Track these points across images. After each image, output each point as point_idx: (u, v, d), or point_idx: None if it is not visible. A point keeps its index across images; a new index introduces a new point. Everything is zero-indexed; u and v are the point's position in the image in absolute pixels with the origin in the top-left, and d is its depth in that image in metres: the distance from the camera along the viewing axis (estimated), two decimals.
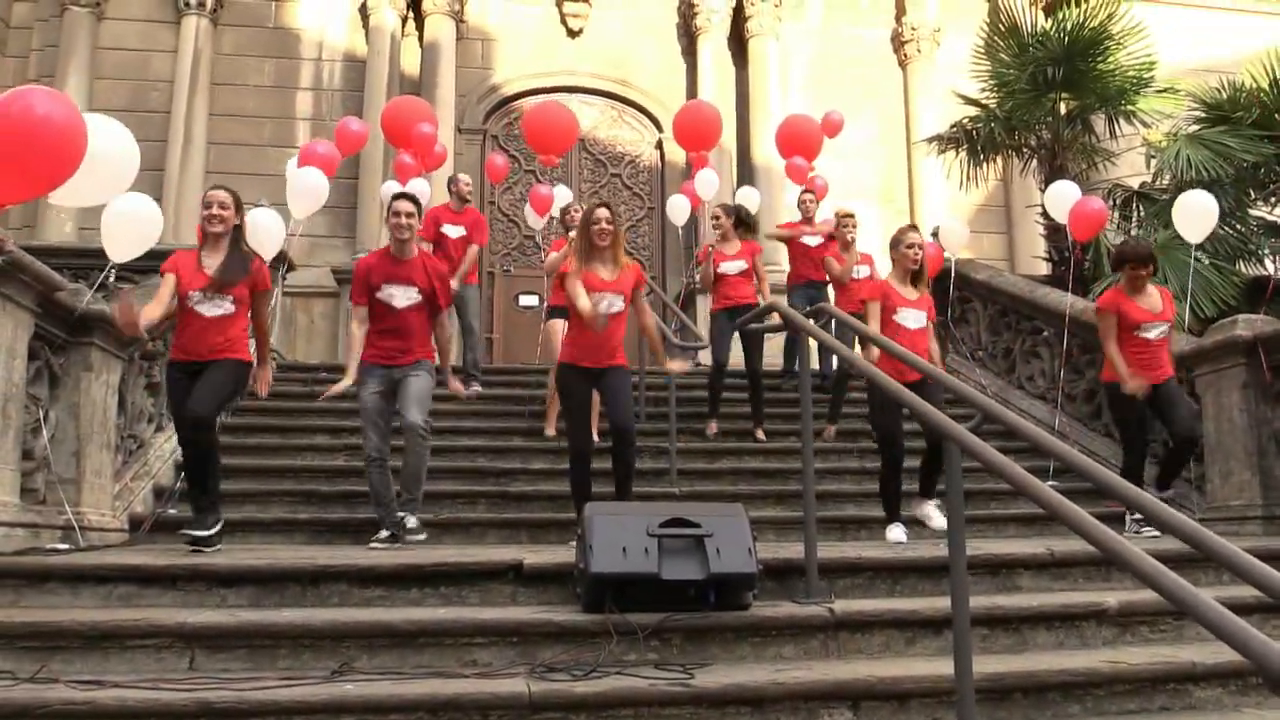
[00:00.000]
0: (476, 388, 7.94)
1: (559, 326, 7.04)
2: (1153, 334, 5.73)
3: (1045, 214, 8.85)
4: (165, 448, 6.22)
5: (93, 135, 4.06)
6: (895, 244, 5.57)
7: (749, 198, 9.55)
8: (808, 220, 8.08)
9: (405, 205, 5.19)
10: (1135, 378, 5.61)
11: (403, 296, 5.12)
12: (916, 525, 5.46)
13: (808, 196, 8.15)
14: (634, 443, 5.16)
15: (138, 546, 4.94)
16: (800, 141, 8.94)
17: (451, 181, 8.26)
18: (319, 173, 7.52)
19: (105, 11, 11.78)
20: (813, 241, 7.94)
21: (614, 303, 4.94)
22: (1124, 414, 5.83)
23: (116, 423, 5.39)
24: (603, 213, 5.03)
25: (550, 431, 7.00)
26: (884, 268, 8.21)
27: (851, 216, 7.73)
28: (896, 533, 5.34)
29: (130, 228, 4.75)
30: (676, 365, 5.38)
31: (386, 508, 5.06)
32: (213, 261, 4.73)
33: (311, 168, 7.55)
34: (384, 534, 4.99)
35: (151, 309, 4.60)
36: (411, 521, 5.18)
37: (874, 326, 5.29)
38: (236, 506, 5.75)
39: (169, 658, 3.28)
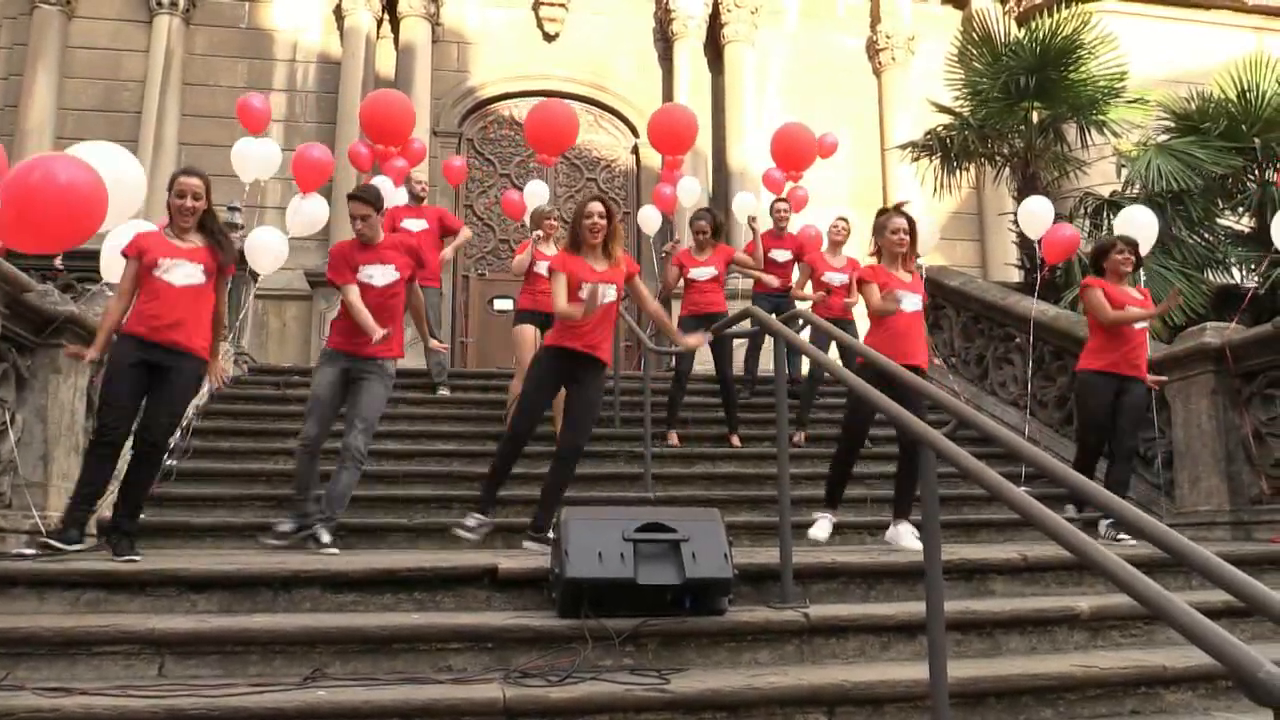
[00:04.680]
0: (444, 391, 7.88)
1: (530, 334, 6.99)
2: (1136, 322, 5.73)
3: (1017, 221, 8.93)
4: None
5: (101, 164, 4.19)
6: (879, 230, 5.43)
7: (745, 204, 9.43)
8: (780, 228, 8.08)
9: (358, 208, 5.12)
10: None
11: (382, 275, 5.10)
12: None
13: (782, 205, 8.15)
14: (576, 462, 5.07)
15: (105, 551, 4.87)
16: (796, 153, 8.85)
17: (407, 181, 8.28)
18: (322, 200, 7.95)
19: (76, 10, 11.67)
20: (781, 257, 7.94)
21: (606, 291, 4.81)
22: (1090, 407, 5.78)
23: (84, 426, 5.32)
24: (595, 207, 4.94)
25: None
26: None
27: (845, 220, 7.77)
28: (821, 529, 5.22)
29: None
30: (694, 339, 5.44)
31: (303, 495, 4.98)
32: (183, 241, 4.54)
33: (315, 196, 7.93)
34: (286, 525, 4.87)
35: (114, 308, 4.48)
36: (325, 536, 4.88)
37: (875, 303, 5.25)
38: (208, 510, 5.69)
39: (138, 664, 3.23)
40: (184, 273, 4.45)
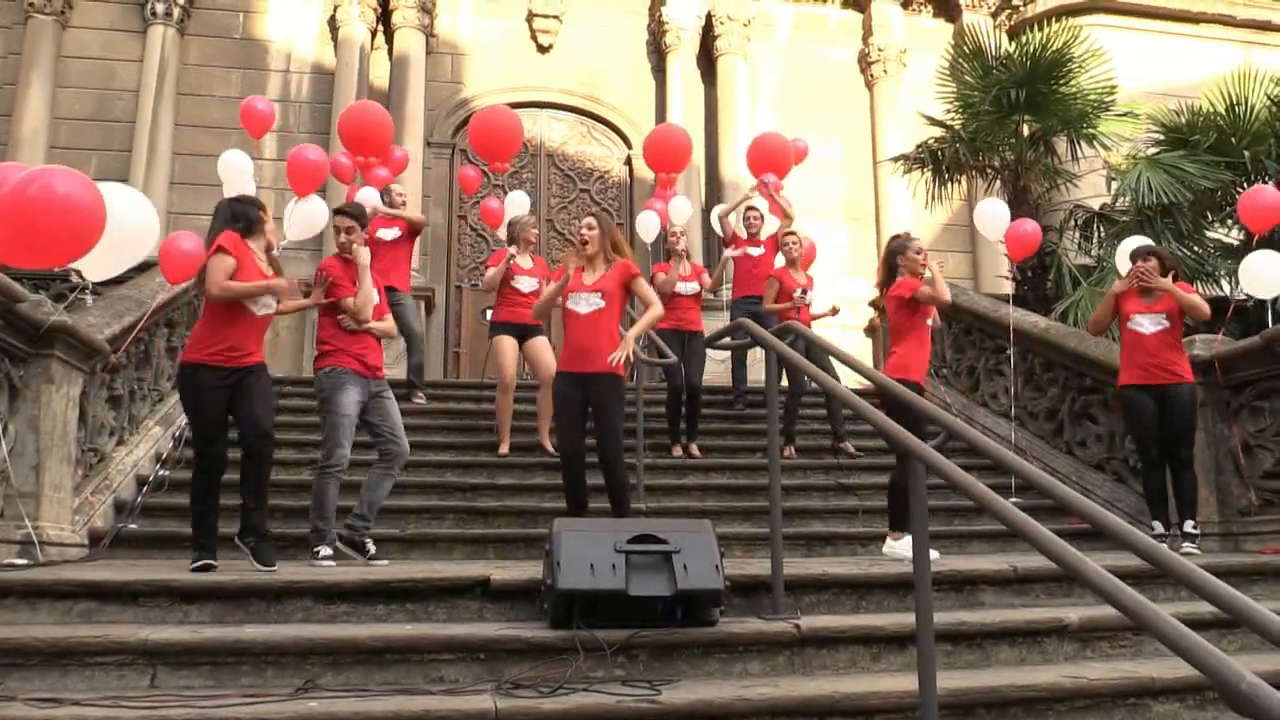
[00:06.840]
0: (420, 399, 7.80)
1: (510, 344, 6.96)
2: (1147, 328, 5.59)
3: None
4: (126, 461, 6.14)
5: (111, 205, 4.26)
6: (901, 250, 5.50)
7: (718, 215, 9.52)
8: (753, 236, 8.10)
9: (343, 221, 5.33)
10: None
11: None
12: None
13: (753, 213, 8.18)
14: (616, 466, 5.15)
15: (98, 562, 4.88)
16: (771, 160, 8.95)
17: (384, 192, 8.04)
18: (321, 203, 7.61)
19: (70, 20, 11.65)
20: (756, 252, 7.99)
21: (592, 300, 5.14)
22: (1133, 423, 5.67)
23: (77, 436, 5.31)
24: (587, 219, 5.40)
25: (504, 449, 6.92)
26: (824, 291, 8.31)
27: (794, 234, 7.76)
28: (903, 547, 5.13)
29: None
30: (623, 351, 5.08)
31: (329, 522, 4.91)
32: (265, 264, 4.89)
33: (314, 197, 7.59)
34: (327, 550, 4.81)
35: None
36: (372, 547, 5.06)
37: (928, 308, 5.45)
38: None
39: (130, 675, 3.23)
40: (264, 304, 4.81)
